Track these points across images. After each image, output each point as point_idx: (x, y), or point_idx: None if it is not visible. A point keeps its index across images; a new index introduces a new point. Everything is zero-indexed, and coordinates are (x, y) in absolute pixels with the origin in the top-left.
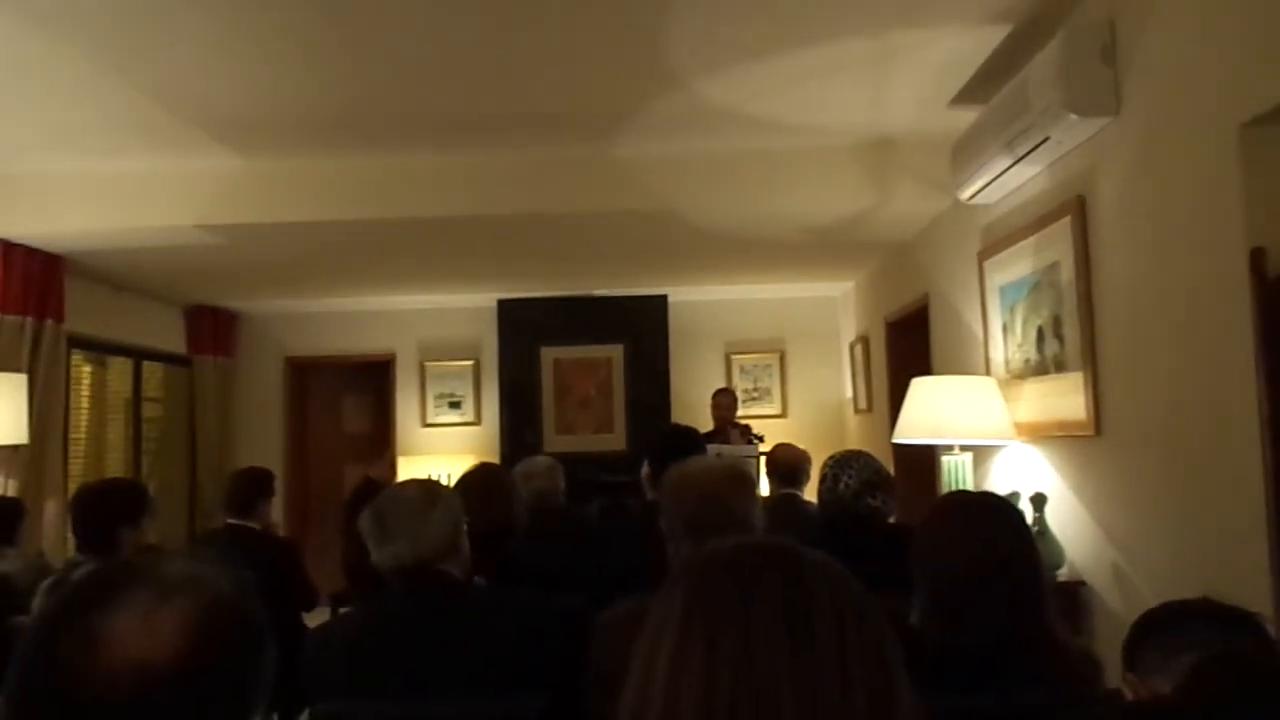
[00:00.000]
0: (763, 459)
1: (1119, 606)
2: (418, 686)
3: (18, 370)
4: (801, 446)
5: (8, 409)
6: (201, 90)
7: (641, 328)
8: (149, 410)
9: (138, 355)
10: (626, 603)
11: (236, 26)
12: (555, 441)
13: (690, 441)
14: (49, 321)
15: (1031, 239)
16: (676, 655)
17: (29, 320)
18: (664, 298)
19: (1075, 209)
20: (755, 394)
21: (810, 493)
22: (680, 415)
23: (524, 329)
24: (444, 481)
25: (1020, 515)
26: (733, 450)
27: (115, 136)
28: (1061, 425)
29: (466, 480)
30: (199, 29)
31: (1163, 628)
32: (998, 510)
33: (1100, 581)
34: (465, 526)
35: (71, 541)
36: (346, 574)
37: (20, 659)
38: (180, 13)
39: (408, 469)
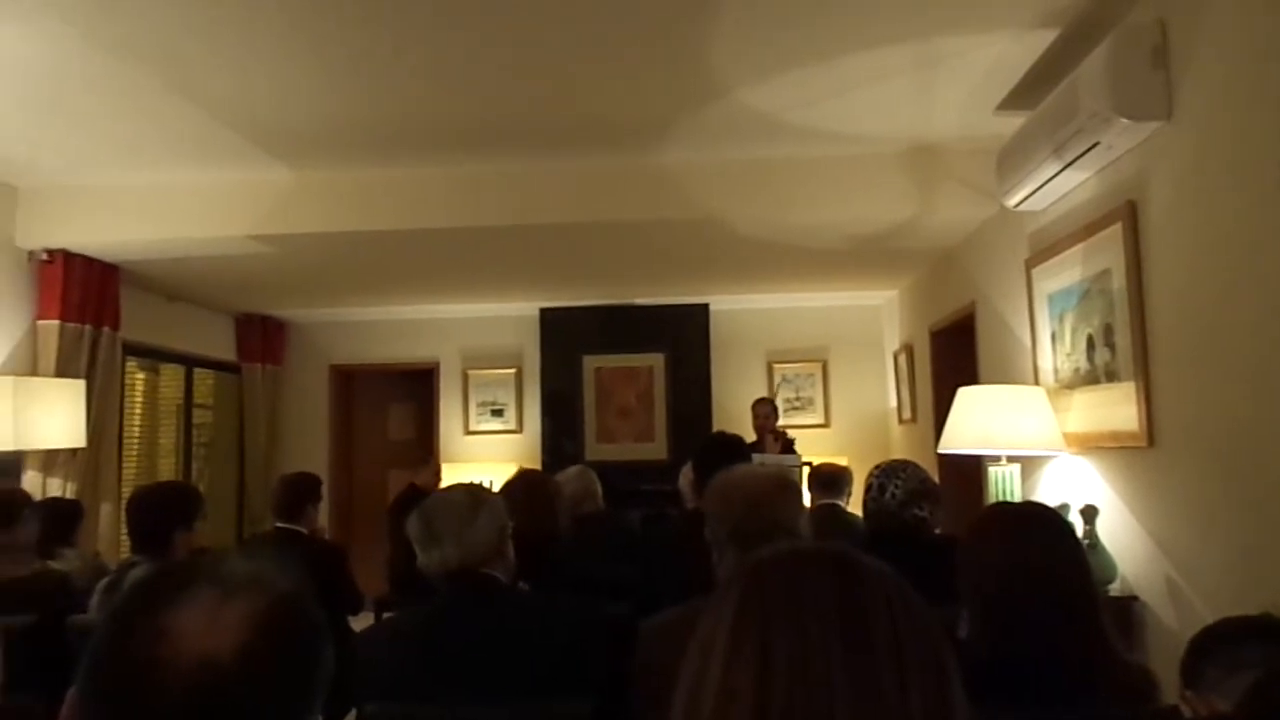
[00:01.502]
0: (807, 469)
1: (1174, 623)
2: (463, 690)
3: (76, 376)
4: (844, 457)
5: (68, 414)
6: (255, 105)
7: (683, 336)
8: (199, 416)
9: (189, 362)
10: (671, 610)
11: (289, 45)
12: (596, 450)
13: (736, 450)
14: (106, 329)
15: (1081, 246)
16: (729, 660)
17: (87, 328)
18: (705, 306)
19: (1126, 215)
20: (797, 403)
21: (852, 505)
22: (721, 424)
23: (566, 338)
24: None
25: (1069, 525)
26: (778, 460)
27: (171, 150)
28: (1113, 436)
29: (510, 486)
30: (253, 48)
31: (1222, 644)
32: (1045, 520)
33: (1154, 597)
34: (510, 531)
35: (126, 543)
36: (391, 579)
37: (92, 654)
38: (236, 32)
39: (450, 476)
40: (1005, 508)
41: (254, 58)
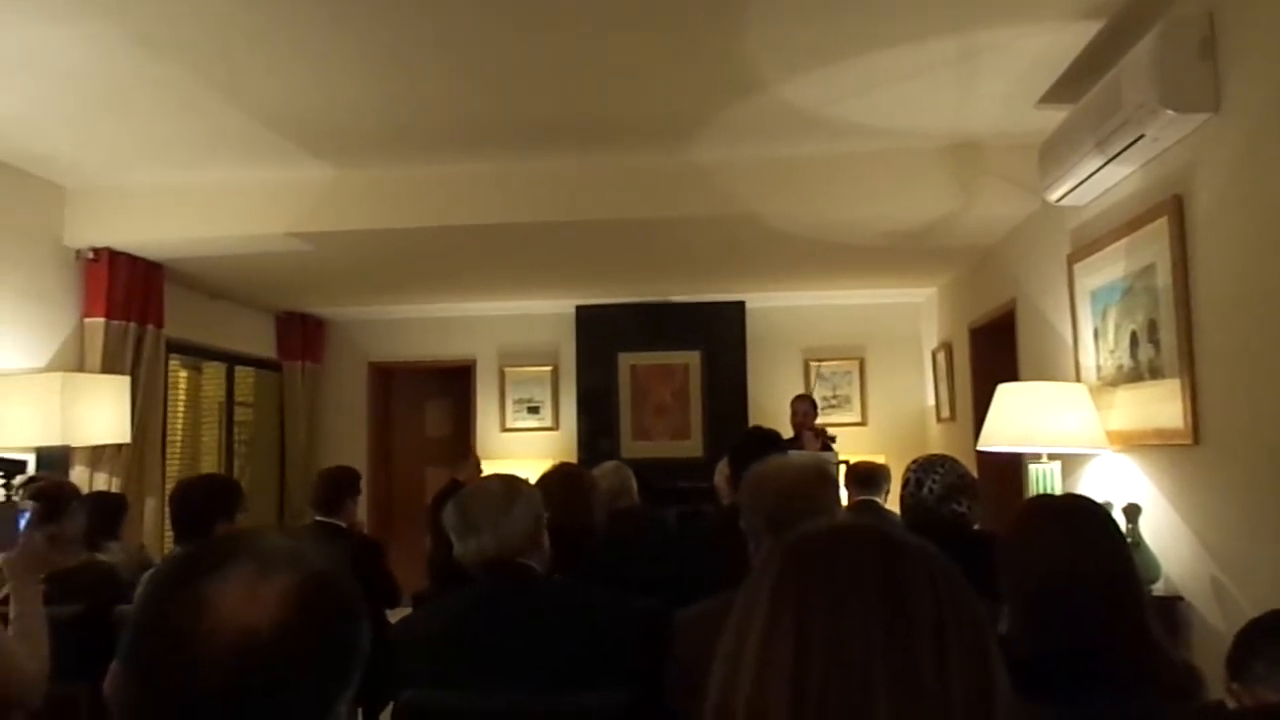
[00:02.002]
0: (842, 467)
1: (1219, 623)
2: (498, 679)
3: (121, 373)
4: (881, 455)
5: (113, 409)
6: (297, 105)
7: (719, 334)
8: (241, 414)
9: (231, 360)
10: (706, 601)
11: (332, 45)
12: (632, 447)
13: (772, 443)
14: (150, 327)
15: (1124, 241)
16: (767, 633)
17: (132, 325)
18: (742, 304)
19: (1172, 209)
20: (834, 401)
21: (890, 502)
22: (757, 421)
23: (602, 335)
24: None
25: (1112, 518)
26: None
27: (215, 149)
28: (1157, 434)
29: (547, 479)
30: (297, 49)
31: (1271, 637)
32: (1089, 514)
33: (1199, 597)
34: (546, 522)
35: (170, 537)
36: (431, 573)
37: (132, 626)
38: (280, 34)
39: (488, 472)
40: (1048, 501)
41: (298, 58)
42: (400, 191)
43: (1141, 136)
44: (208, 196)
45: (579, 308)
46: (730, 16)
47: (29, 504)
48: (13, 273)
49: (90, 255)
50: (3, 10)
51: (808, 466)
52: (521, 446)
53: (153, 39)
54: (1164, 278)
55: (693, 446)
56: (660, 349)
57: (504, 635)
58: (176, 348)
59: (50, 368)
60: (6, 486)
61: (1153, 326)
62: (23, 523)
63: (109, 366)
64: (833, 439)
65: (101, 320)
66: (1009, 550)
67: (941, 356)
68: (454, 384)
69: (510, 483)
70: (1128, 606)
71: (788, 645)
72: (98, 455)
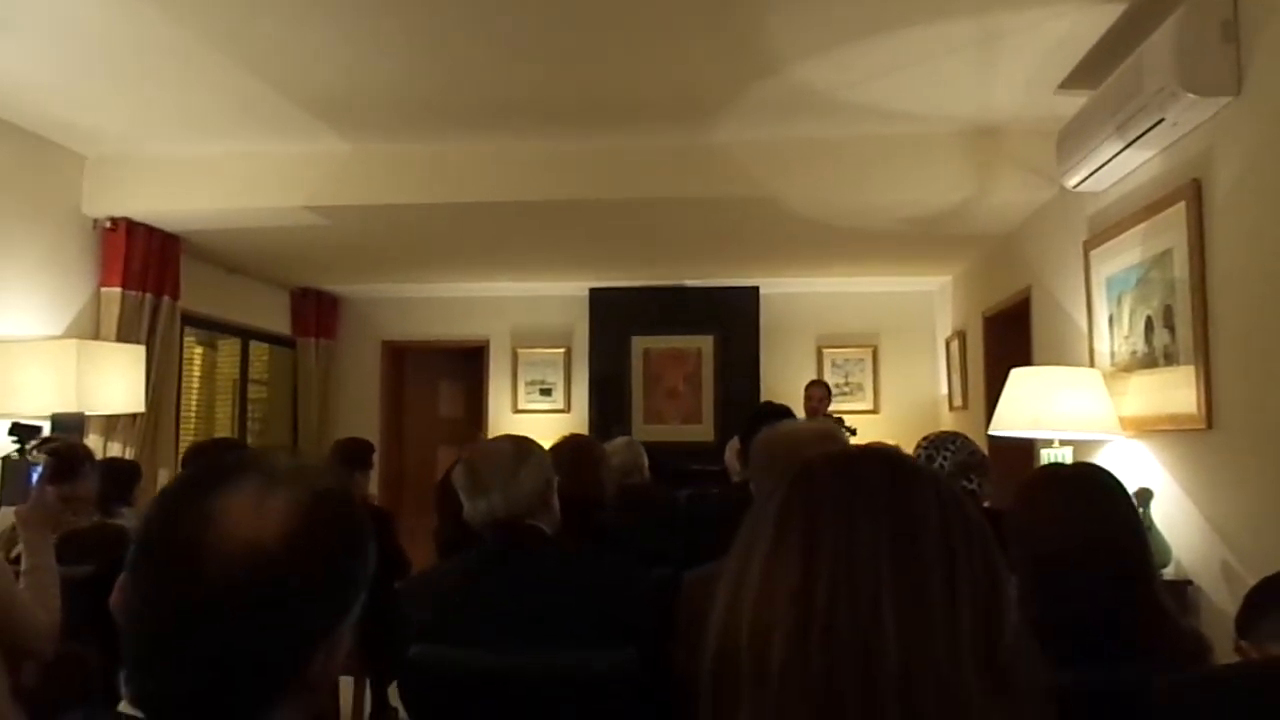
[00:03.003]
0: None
1: (1229, 607)
2: (506, 636)
3: (136, 343)
4: (893, 443)
5: (128, 378)
6: (315, 76)
7: (732, 319)
8: (254, 392)
9: (245, 335)
10: (715, 563)
11: (353, 17)
12: (643, 430)
13: (782, 415)
14: (166, 298)
15: (1142, 226)
16: (771, 552)
17: (148, 296)
18: (755, 289)
19: (1190, 194)
20: (847, 389)
21: None
22: None
23: (615, 318)
24: None
25: (1122, 486)
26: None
27: (233, 120)
28: (1171, 419)
29: (558, 449)
30: (318, 21)
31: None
32: (1097, 481)
33: (1209, 581)
34: (555, 485)
35: None
36: (439, 550)
37: (140, 537)
38: (304, 5)
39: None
40: (1057, 470)
41: (322, 31)
42: (418, 167)
43: (1161, 120)
44: (227, 168)
45: (593, 290)
46: None
47: (42, 458)
48: (31, 240)
49: (108, 225)
50: None
51: (818, 428)
52: (533, 428)
53: (178, 8)
54: (1181, 263)
55: (704, 431)
56: (674, 333)
57: (511, 593)
58: (192, 320)
59: (66, 335)
60: (21, 451)
61: (1168, 312)
62: (35, 477)
63: (124, 336)
64: (853, 431)
65: (118, 290)
66: (1021, 517)
67: (955, 345)
68: (467, 364)
69: (520, 443)
70: (1137, 574)
71: (794, 563)
72: (112, 425)
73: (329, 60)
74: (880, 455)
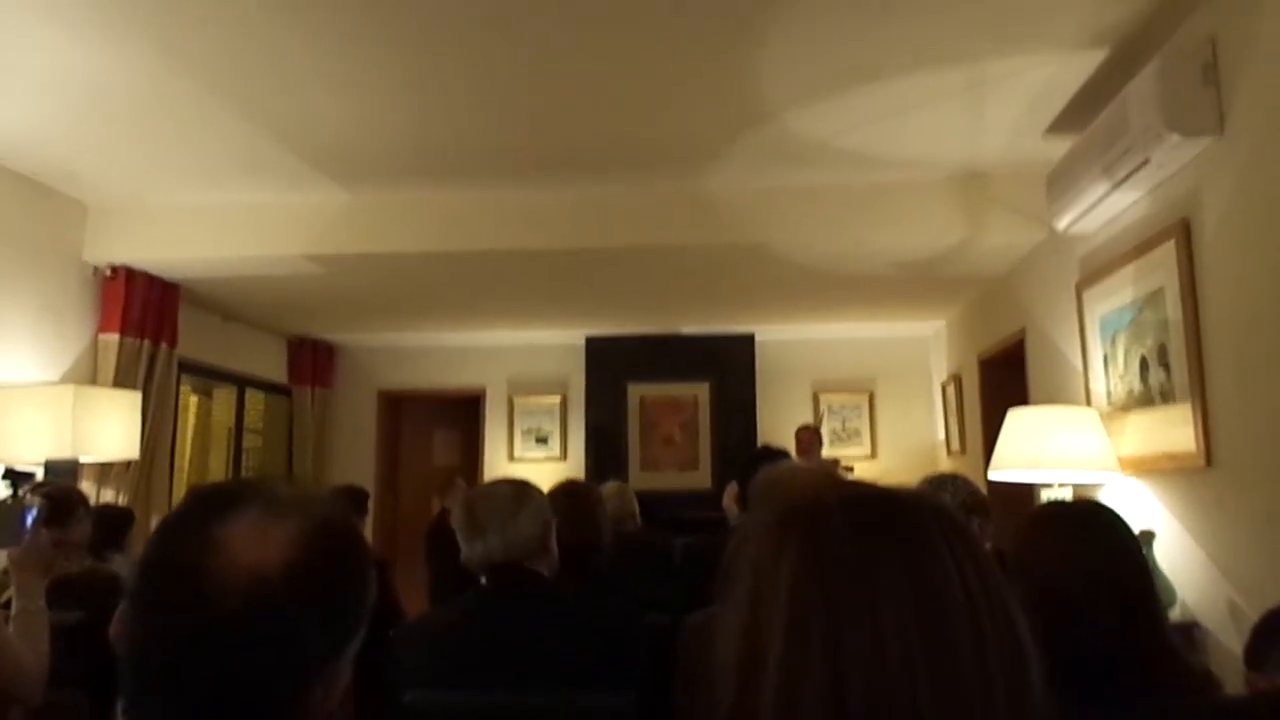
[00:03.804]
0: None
1: (1238, 648)
2: (502, 680)
3: (133, 390)
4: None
5: (123, 425)
6: (316, 128)
7: (728, 366)
8: (249, 440)
9: (241, 383)
10: (716, 607)
11: (351, 69)
12: (640, 478)
13: (780, 456)
14: (163, 345)
15: (1132, 265)
16: (790, 643)
17: (145, 343)
18: (751, 336)
19: (1179, 232)
20: (844, 434)
21: None
22: None
23: (611, 366)
24: None
25: (1124, 521)
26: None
27: (235, 170)
28: (1169, 457)
29: (554, 494)
30: (318, 72)
31: None
32: (1100, 517)
33: (1215, 622)
34: (554, 528)
35: None
36: (430, 599)
37: (142, 564)
38: (303, 57)
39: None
40: (1062, 506)
41: (320, 82)
42: (416, 216)
43: (1147, 161)
44: (227, 217)
45: (589, 339)
46: (743, 48)
47: (37, 500)
48: (32, 287)
49: (108, 272)
50: (37, 28)
51: (818, 469)
52: (529, 477)
53: (181, 61)
54: (1173, 301)
55: (701, 478)
56: (670, 380)
57: (509, 638)
58: (189, 368)
59: (64, 381)
60: (15, 494)
61: (1163, 350)
62: (29, 520)
63: (121, 383)
64: (850, 469)
65: (116, 337)
66: (1022, 555)
67: (951, 389)
68: (463, 413)
69: (519, 486)
70: (1143, 610)
71: (818, 660)
72: (105, 471)
73: (331, 111)
74: (892, 510)
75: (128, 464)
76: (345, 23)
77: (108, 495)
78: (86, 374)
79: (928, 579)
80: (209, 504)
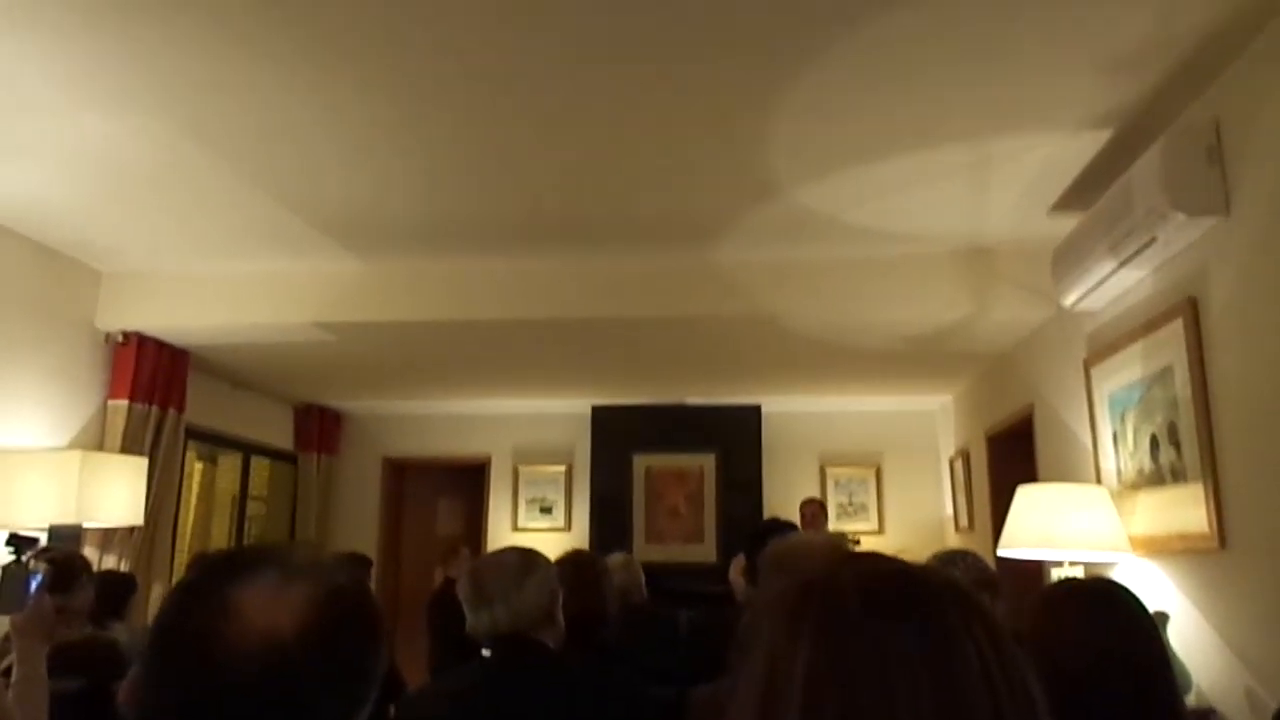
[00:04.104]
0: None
1: None
2: None
3: (139, 455)
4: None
5: (129, 491)
6: (327, 197)
7: (734, 437)
8: (253, 508)
9: (247, 449)
10: (722, 681)
11: (362, 141)
12: (645, 550)
13: (789, 528)
14: (171, 411)
15: (1141, 343)
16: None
17: (154, 409)
18: (757, 408)
19: (1187, 311)
20: (851, 509)
21: None
22: None
23: (617, 436)
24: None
25: (1139, 600)
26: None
27: (247, 239)
28: (1182, 538)
29: (560, 564)
30: (329, 145)
31: None
32: (1116, 595)
33: (1233, 709)
34: (561, 598)
35: None
36: (430, 671)
37: (157, 627)
38: (314, 130)
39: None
40: (1075, 583)
41: (331, 153)
42: (425, 285)
43: (1153, 240)
44: (239, 284)
45: (595, 408)
46: (751, 123)
47: (42, 565)
48: (44, 352)
49: (120, 339)
50: (56, 98)
51: (828, 544)
52: (533, 547)
53: (198, 132)
54: (1182, 379)
55: (706, 551)
56: (675, 451)
57: (513, 709)
58: (196, 434)
59: (71, 446)
60: (18, 559)
61: (1173, 429)
62: (33, 586)
63: (128, 448)
64: (857, 542)
65: (125, 402)
66: (1040, 633)
67: (959, 465)
68: (467, 482)
69: (526, 555)
70: (1156, 689)
71: None
72: (109, 537)
73: (343, 182)
74: (909, 591)
75: (131, 530)
76: (359, 96)
77: (110, 561)
78: (94, 439)
79: (946, 665)
80: (223, 568)
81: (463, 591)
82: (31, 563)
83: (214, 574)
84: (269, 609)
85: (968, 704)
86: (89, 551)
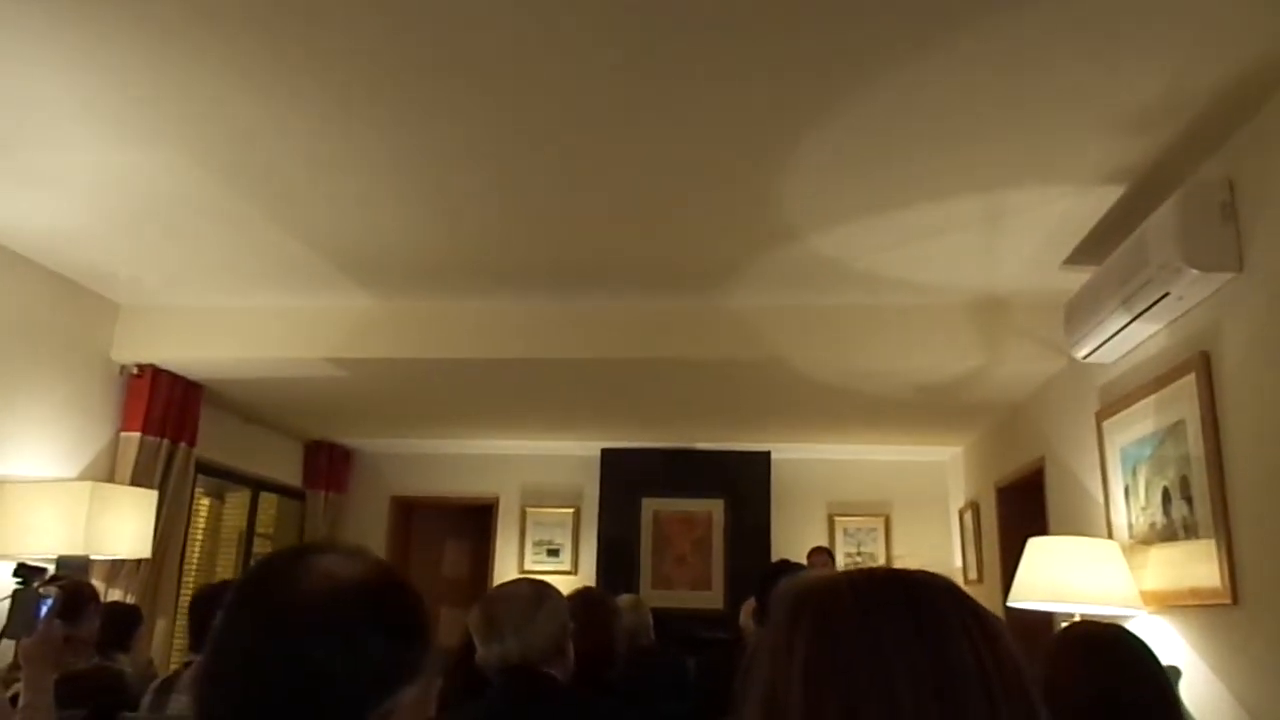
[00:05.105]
0: None
1: None
2: None
3: (149, 488)
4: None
5: (139, 523)
6: (346, 235)
7: (743, 484)
8: (259, 545)
9: (256, 485)
10: (730, 716)
11: (382, 180)
12: (652, 596)
13: (796, 569)
14: (183, 445)
15: (1153, 397)
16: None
17: (165, 442)
18: (767, 454)
19: (1200, 365)
20: (860, 558)
21: None
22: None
23: (626, 479)
24: None
25: (1149, 648)
26: None
27: (264, 274)
28: (1194, 594)
29: (571, 600)
30: (350, 182)
31: None
32: (1127, 643)
33: None
34: (571, 632)
35: (178, 659)
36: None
37: (239, 581)
38: (335, 168)
39: None
40: (1083, 630)
41: (349, 192)
42: (438, 323)
43: (1167, 294)
44: (254, 319)
45: (605, 450)
46: (769, 170)
47: (52, 591)
48: (59, 383)
49: (135, 371)
50: (79, 132)
51: None
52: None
53: (221, 168)
54: (1194, 434)
55: (713, 598)
56: (684, 496)
57: None
58: (205, 468)
59: (82, 477)
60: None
61: (1185, 483)
62: (43, 611)
63: (138, 480)
64: None
65: (137, 435)
66: (1049, 679)
67: (969, 516)
68: (474, 522)
69: (538, 586)
70: None
71: None
72: (115, 570)
73: (361, 221)
74: (903, 587)
75: (138, 563)
76: (380, 138)
77: (116, 594)
78: (105, 471)
79: (942, 655)
80: (295, 549)
81: (473, 622)
82: (41, 589)
83: (290, 550)
84: (336, 566)
85: (965, 699)
86: (96, 583)
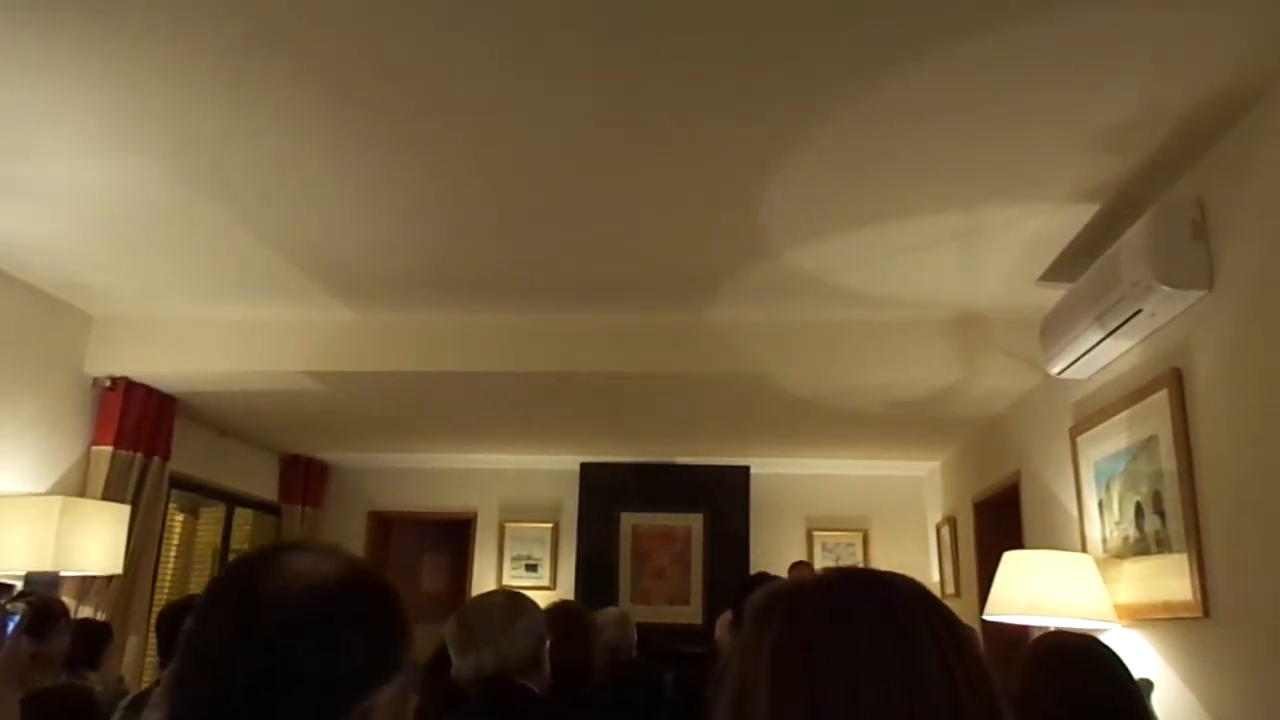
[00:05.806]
0: None
1: None
2: None
3: (121, 503)
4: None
5: (110, 539)
6: (320, 246)
7: (722, 498)
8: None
9: (231, 500)
10: None
11: (358, 191)
12: (630, 611)
13: (772, 580)
14: (156, 459)
15: (1126, 413)
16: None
17: (138, 456)
18: (746, 469)
19: (1172, 381)
20: None
21: None
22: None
23: (605, 493)
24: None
25: (1120, 658)
26: None
27: (239, 286)
28: (1166, 607)
29: (549, 613)
30: (325, 192)
31: None
32: (1099, 653)
33: None
34: (548, 644)
35: (149, 677)
36: None
37: (212, 581)
38: (309, 178)
39: None
40: (1058, 640)
41: (325, 202)
42: (416, 336)
43: (1139, 311)
44: (231, 331)
45: (583, 465)
46: (749, 185)
47: (20, 607)
48: (30, 395)
49: (107, 384)
50: (53, 142)
51: None
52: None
53: (196, 178)
54: (1167, 449)
55: (691, 613)
56: (663, 510)
57: None
58: (179, 483)
59: (52, 492)
60: None
61: (1157, 498)
62: (10, 627)
63: (110, 495)
64: None
65: (109, 449)
66: (1022, 689)
67: (946, 531)
68: (452, 537)
69: (514, 598)
70: None
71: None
72: (86, 586)
73: (338, 233)
74: (871, 587)
75: (109, 579)
76: (361, 149)
77: (86, 611)
78: (76, 485)
79: (909, 656)
80: (270, 548)
81: (449, 633)
82: (8, 605)
83: (264, 550)
84: (310, 565)
85: (931, 700)
86: (66, 599)
